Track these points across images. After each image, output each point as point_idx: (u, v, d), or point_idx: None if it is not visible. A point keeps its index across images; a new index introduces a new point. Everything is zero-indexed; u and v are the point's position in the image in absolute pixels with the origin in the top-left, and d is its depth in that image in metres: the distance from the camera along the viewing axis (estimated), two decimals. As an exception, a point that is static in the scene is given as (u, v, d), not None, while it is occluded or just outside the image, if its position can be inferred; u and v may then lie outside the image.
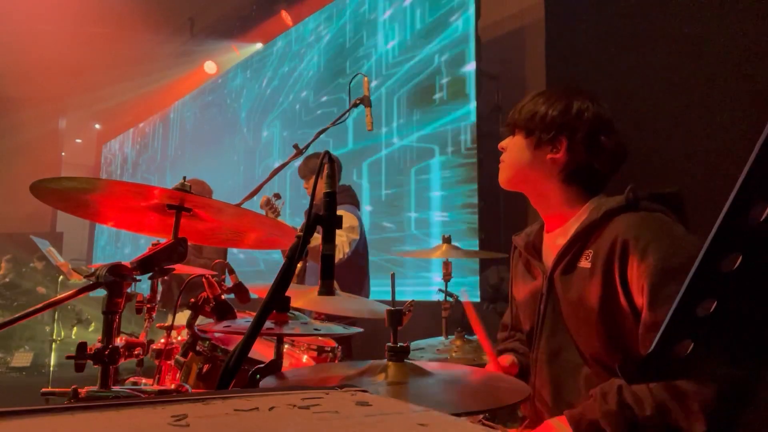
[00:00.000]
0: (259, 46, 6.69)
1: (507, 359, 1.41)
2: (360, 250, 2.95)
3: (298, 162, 2.90)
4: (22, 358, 6.00)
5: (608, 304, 1.14)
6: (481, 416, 1.27)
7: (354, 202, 3.08)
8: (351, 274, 2.86)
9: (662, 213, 1.15)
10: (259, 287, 1.51)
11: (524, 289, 1.39)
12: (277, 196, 2.82)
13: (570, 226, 1.27)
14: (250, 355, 0.87)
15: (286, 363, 1.56)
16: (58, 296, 1.00)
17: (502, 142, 1.39)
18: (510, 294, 1.51)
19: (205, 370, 1.45)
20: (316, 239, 2.26)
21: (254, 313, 0.89)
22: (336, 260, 1.71)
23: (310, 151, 2.28)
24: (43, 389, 1.14)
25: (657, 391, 1.04)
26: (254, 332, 0.87)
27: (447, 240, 2.19)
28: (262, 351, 1.80)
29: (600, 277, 1.15)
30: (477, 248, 3.58)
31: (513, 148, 1.35)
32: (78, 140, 11.78)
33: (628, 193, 1.17)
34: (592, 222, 1.19)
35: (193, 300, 1.39)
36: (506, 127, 1.38)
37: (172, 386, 1.34)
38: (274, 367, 1.17)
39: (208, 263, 3.10)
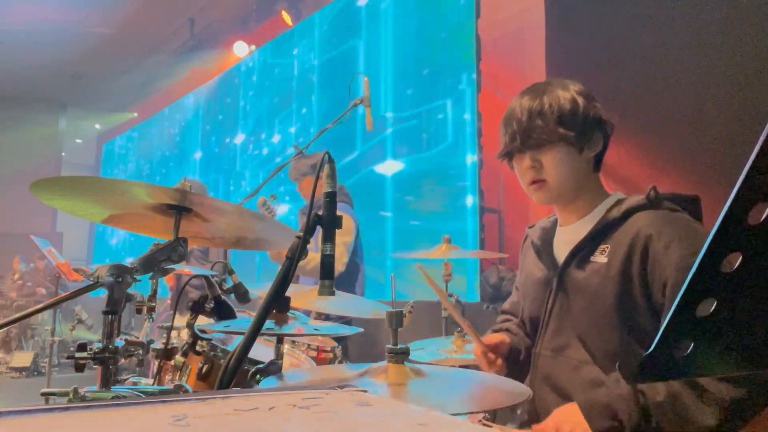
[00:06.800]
0: (256, 47, 6.70)
1: (496, 337, 1.37)
2: (356, 249, 2.96)
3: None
4: (22, 358, 6.01)
5: (625, 298, 1.14)
6: (481, 416, 1.27)
7: (348, 201, 3.08)
8: (346, 272, 2.87)
9: (683, 214, 1.16)
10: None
11: (532, 280, 1.38)
12: (273, 196, 2.82)
13: (587, 221, 1.27)
14: (250, 354, 0.87)
15: (286, 363, 1.56)
16: (58, 296, 1.00)
17: (527, 162, 1.24)
18: (516, 283, 1.51)
19: (205, 370, 1.45)
20: (309, 261, 2.30)
21: (254, 313, 0.89)
22: (336, 273, 1.69)
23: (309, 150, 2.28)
24: (43, 389, 1.14)
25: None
26: (254, 332, 0.87)
27: (447, 240, 2.19)
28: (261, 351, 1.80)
29: (618, 271, 1.15)
30: (477, 248, 3.58)
31: (557, 163, 1.22)
32: (78, 140, 11.78)
33: (650, 192, 1.18)
34: (613, 218, 1.20)
35: (193, 301, 1.39)
36: (523, 146, 1.23)
37: (172, 386, 1.34)
38: (273, 367, 1.18)
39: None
